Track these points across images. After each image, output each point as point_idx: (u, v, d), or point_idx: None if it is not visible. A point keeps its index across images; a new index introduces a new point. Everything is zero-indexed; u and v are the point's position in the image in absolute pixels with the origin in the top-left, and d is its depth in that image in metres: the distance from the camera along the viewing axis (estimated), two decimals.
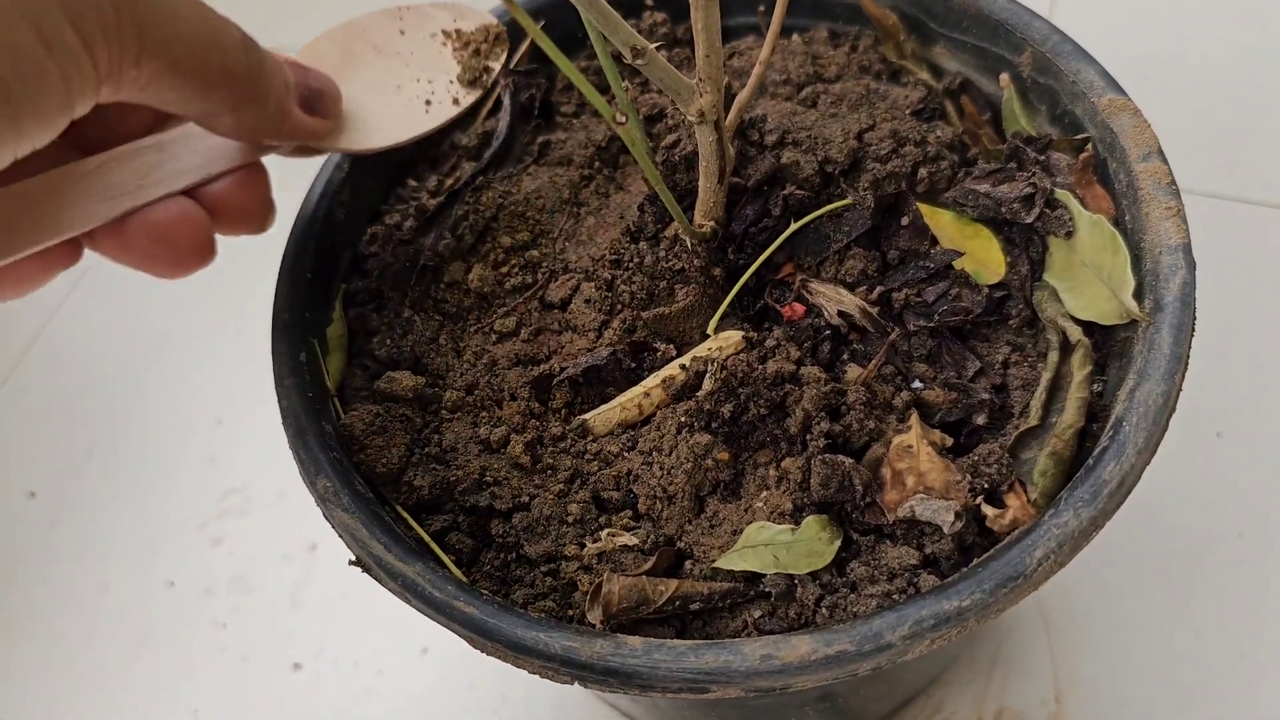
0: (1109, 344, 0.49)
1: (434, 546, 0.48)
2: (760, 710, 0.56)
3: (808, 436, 0.46)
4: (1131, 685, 0.68)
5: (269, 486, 0.85)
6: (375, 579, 0.46)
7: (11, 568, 0.83)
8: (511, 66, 0.61)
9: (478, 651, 0.44)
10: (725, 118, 0.48)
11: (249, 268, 0.97)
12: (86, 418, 0.90)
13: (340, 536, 0.47)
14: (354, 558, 0.46)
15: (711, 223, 0.51)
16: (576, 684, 0.42)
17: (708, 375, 0.48)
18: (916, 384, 0.50)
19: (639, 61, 0.42)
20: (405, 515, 0.49)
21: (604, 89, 0.62)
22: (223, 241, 0.95)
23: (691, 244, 0.50)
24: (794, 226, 0.51)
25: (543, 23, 0.62)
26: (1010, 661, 0.70)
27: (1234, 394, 0.77)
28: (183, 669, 0.78)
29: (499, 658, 0.43)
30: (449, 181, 0.59)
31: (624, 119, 0.40)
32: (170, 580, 0.82)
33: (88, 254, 0.44)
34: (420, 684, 0.75)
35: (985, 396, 0.48)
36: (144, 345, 0.94)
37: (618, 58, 0.56)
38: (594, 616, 0.43)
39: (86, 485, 0.87)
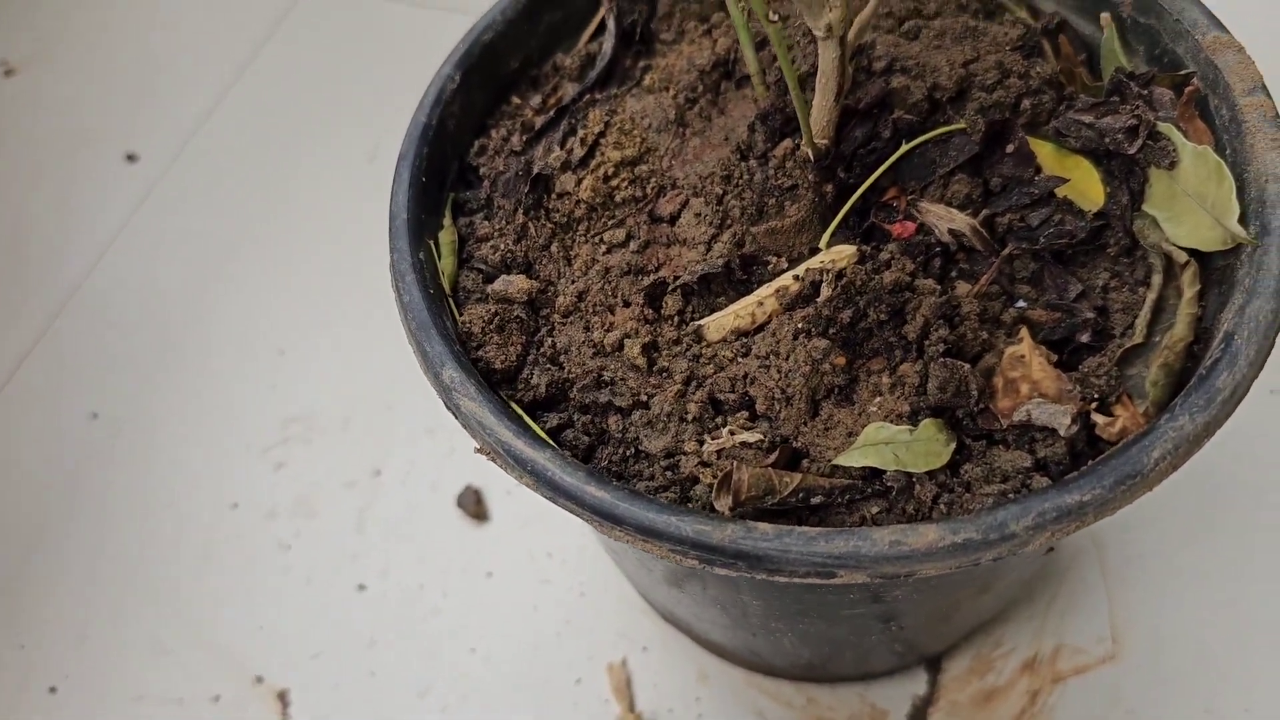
0: (1207, 272, 0.50)
1: (550, 443, 0.49)
2: (847, 626, 0.58)
3: (925, 342, 0.47)
4: (1185, 627, 0.70)
5: (332, 415, 0.86)
6: (502, 467, 0.47)
7: (75, 487, 0.84)
8: None
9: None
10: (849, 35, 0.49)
11: (309, 202, 0.98)
12: (148, 343, 0.91)
13: (466, 426, 0.48)
14: (479, 446, 0.48)
15: (824, 141, 0.53)
16: (705, 567, 0.43)
17: (824, 284, 0.49)
18: (1020, 304, 0.51)
19: None
20: (521, 413, 0.50)
21: (705, 18, 0.63)
22: (285, 177, 0.96)
23: (813, 154, 0.51)
24: (905, 147, 0.53)
25: None
26: (1068, 600, 0.72)
27: None
28: (248, 586, 0.79)
29: (628, 541, 0.44)
30: (552, 100, 0.61)
31: (776, 18, 0.41)
32: (234, 503, 0.82)
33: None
34: (484, 607, 0.76)
35: (1089, 316, 0.50)
36: (205, 275, 0.95)
37: None
38: (722, 504, 0.44)
39: (148, 408, 0.88)
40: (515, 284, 0.53)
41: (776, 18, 0.42)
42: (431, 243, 0.54)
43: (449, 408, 0.49)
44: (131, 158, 1.03)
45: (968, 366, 0.46)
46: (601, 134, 0.57)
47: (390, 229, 0.53)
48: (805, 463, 0.47)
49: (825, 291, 0.49)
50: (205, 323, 0.92)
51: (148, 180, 1.01)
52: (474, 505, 0.79)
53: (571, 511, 0.45)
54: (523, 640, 0.74)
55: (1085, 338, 0.50)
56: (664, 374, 0.50)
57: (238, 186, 1.00)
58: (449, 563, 0.78)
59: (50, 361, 0.91)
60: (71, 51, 1.13)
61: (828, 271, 0.49)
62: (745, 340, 0.51)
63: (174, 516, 0.82)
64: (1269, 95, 0.51)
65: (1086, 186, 0.54)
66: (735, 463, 0.45)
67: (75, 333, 0.92)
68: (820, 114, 0.52)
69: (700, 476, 0.47)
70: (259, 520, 0.82)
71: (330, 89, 1.05)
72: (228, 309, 0.93)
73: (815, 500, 0.45)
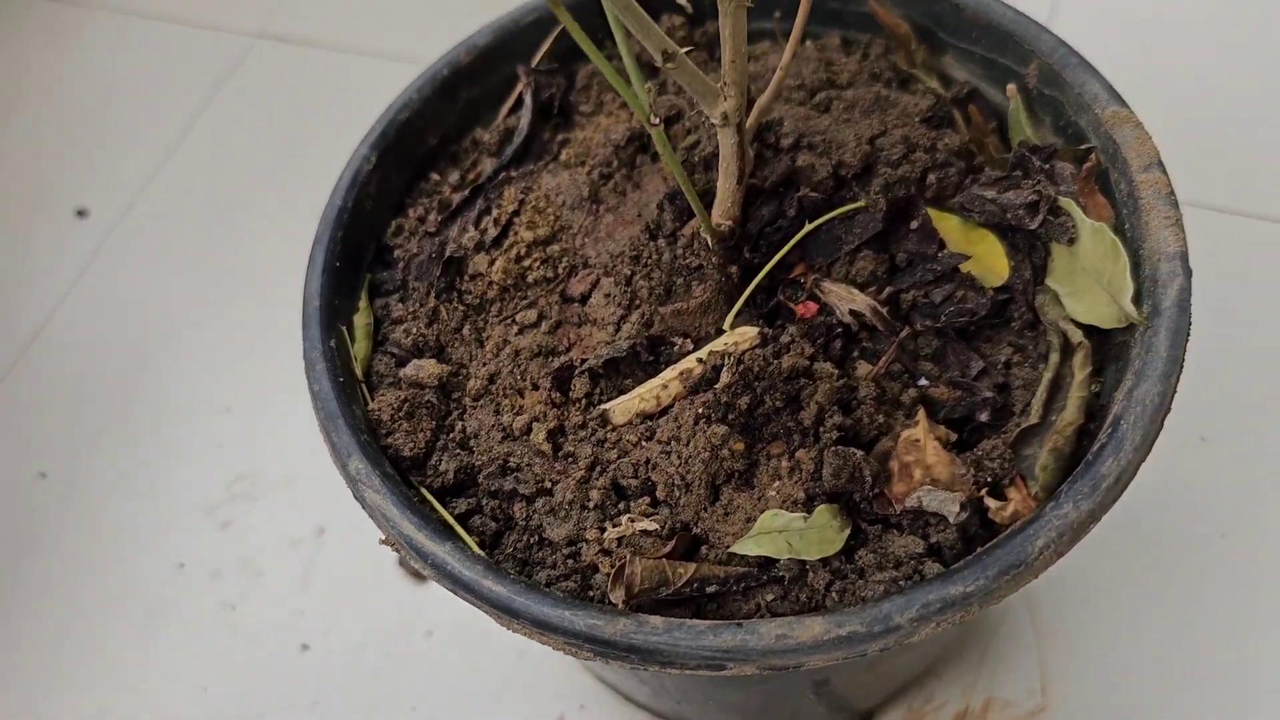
0: (1107, 347, 0.51)
1: (458, 529, 0.50)
2: (763, 694, 0.58)
3: (820, 429, 0.48)
4: (1115, 677, 0.71)
5: (277, 472, 0.86)
6: (406, 558, 0.48)
7: (22, 547, 0.85)
8: (533, 65, 0.63)
9: (502, 629, 0.46)
10: (746, 121, 0.50)
11: (259, 257, 0.99)
12: (97, 401, 0.92)
13: (371, 517, 0.48)
14: (384, 537, 0.48)
15: (729, 222, 0.53)
16: (599, 660, 0.44)
17: (725, 369, 0.50)
18: (923, 381, 0.52)
19: (669, 65, 0.44)
20: (430, 499, 0.51)
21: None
22: (236, 232, 0.97)
23: (711, 241, 0.52)
24: (809, 227, 0.53)
25: (561, 26, 0.64)
26: (999, 654, 0.72)
27: (1219, 399, 0.79)
28: (193, 648, 0.79)
29: (524, 634, 0.45)
30: (471, 176, 0.61)
31: (658, 120, 0.42)
32: (180, 562, 0.83)
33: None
34: (425, 666, 0.76)
35: (989, 395, 0.50)
36: (154, 331, 0.95)
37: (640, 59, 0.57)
38: (616, 596, 0.45)
39: (97, 467, 0.88)
40: (426, 369, 0.53)
41: (658, 120, 0.43)
42: (345, 327, 0.55)
43: (356, 498, 0.49)
44: (82, 213, 1.03)
45: (860, 454, 0.47)
46: (516, 213, 0.58)
47: (303, 316, 0.54)
48: (704, 549, 0.48)
49: (725, 377, 0.49)
50: (154, 380, 0.92)
51: (98, 236, 1.01)
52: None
53: (472, 604, 0.46)
54: (463, 699, 0.75)
55: (984, 417, 0.50)
56: (569, 459, 0.51)
57: (186, 242, 1.00)
58: (391, 622, 0.78)
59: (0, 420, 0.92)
60: (22, 107, 1.14)
61: (729, 355, 0.50)
62: (650, 423, 0.51)
63: (121, 577, 0.83)
64: (1164, 172, 0.52)
65: (992, 260, 0.54)
66: (629, 555, 0.46)
67: (25, 391, 0.93)
68: (724, 196, 0.53)
69: (600, 565, 0.48)
70: (205, 580, 0.82)
71: (279, 143, 1.06)
72: (176, 366, 0.93)
73: (711, 589, 0.46)
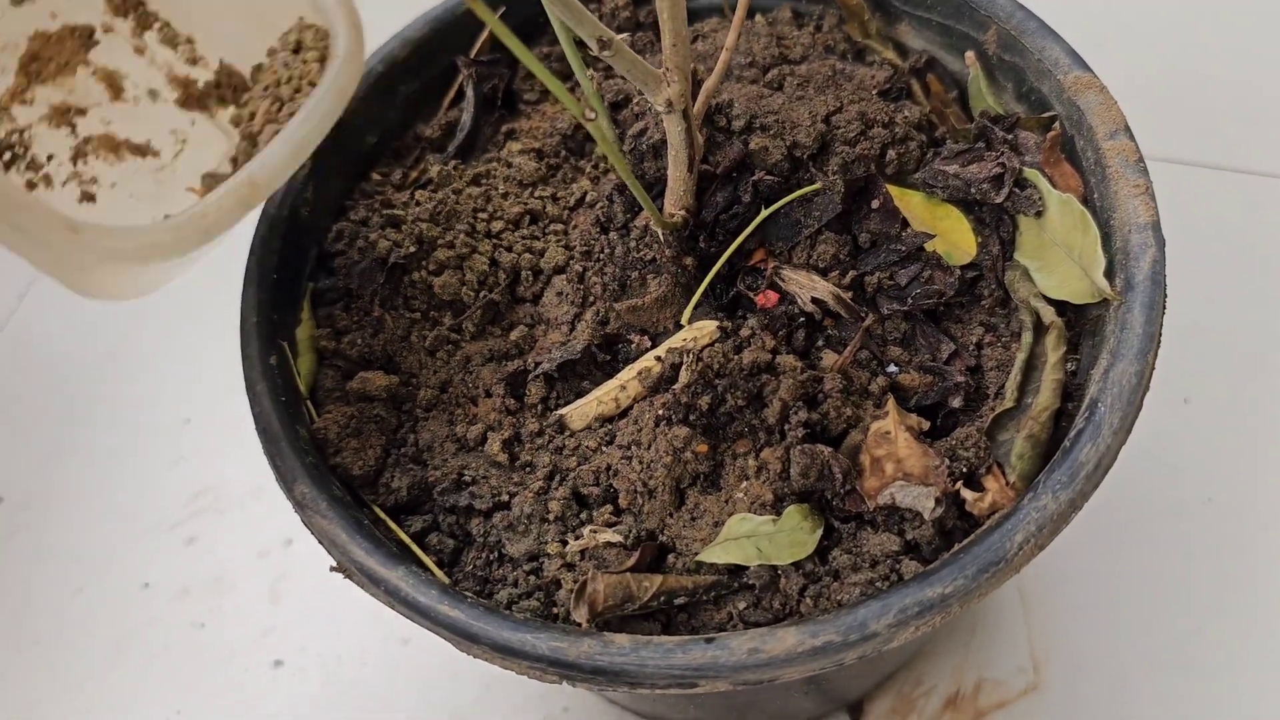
0: (1081, 322, 0.49)
1: (415, 548, 0.48)
2: (747, 694, 0.56)
3: (786, 426, 0.46)
4: (1105, 651, 0.69)
5: (241, 483, 0.84)
6: (357, 585, 0.46)
7: None
8: (472, 56, 0.61)
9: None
10: (693, 106, 0.48)
11: (211, 262, 0.95)
12: (50, 420, 0.89)
13: (320, 543, 0.46)
14: (335, 564, 0.46)
15: (682, 211, 0.51)
16: (565, 683, 0.42)
17: (684, 367, 0.47)
18: (892, 368, 0.50)
19: (605, 53, 0.42)
20: (384, 517, 0.49)
21: (566, 75, 0.61)
22: None
23: (663, 234, 0.50)
24: (765, 213, 0.51)
25: (502, 10, 0.61)
26: (988, 632, 0.71)
27: (1201, 360, 0.77)
28: (163, 671, 0.77)
29: (486, 660, 0.43)
30: (414, 174, 0.59)
31: (593, 114, 0.40)
32: (145, 582, 0.81)
33: None
34: (403, 675, 0.74)
35: (961, 379, 0.48)
36: (106, 345, 0.93)
37: (581, 45, 0.55)
38: (579, 615, 0.43)
39: (54, 489, 0.86)
40: (373, 381, 0.51)
41: (594, 114, 0.40)
42: (287, 342, 0.52)
43: (304, 524, 0.47)
44: None
45: (828, 451, 0.45)
46: (461, 211, 0.55)
47: (241, 334, 0.51)
48: (672, 557, 0.46)
49: (684, 376, 0.47)
50: (108, 395, 0.90)
51: None
52: None
53: (429, 629, 0.44)
54: (443, 707, 0.73)
55: (957, 402, 0.48)
56: (527, 469, 0.49)
57: None
58: (365, 631, 0.76)
59: None
60: None
61: (688, 352, 0.48)
62: (610, 427, 0.49)
63: (84, 601, 0.80)
64: (1131, 138, 0.50)
65: (958, 236, 0.52)
66: (591, 571, 0.44)
67: None
68: (676, 185, 0.50)
69: (564, 581, 0.46)
70: (172, 599, 0.80)
71: None
72: (131, 379, 0.90)
73: (679, 601, 0.44)
